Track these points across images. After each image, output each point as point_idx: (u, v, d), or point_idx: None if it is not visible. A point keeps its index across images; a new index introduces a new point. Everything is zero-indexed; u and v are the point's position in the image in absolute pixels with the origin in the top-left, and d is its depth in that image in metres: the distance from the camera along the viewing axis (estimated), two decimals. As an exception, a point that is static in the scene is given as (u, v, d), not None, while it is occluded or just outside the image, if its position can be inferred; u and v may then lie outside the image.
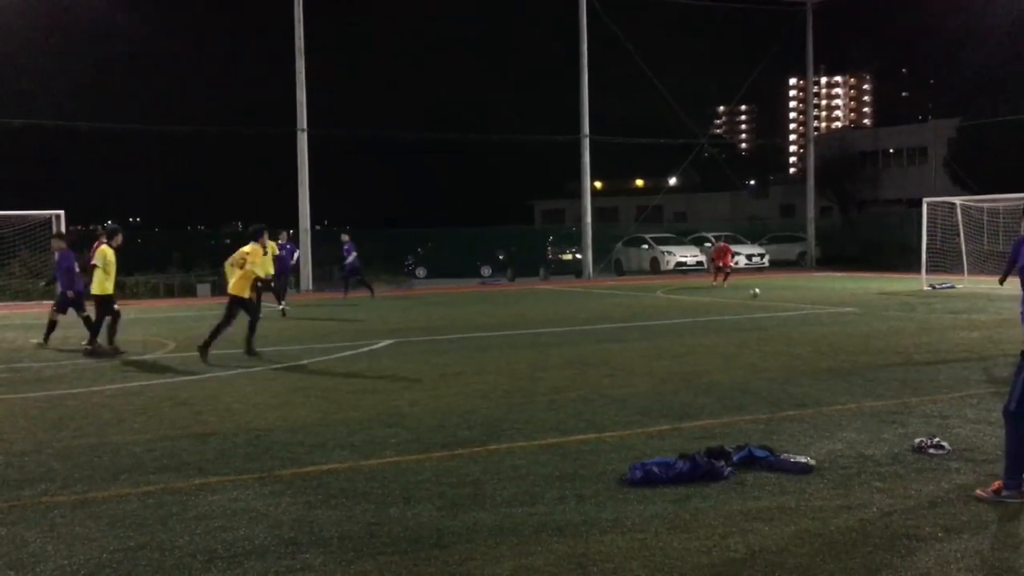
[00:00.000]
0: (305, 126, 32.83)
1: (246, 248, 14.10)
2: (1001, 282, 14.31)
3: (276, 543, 5.36)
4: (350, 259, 26.73)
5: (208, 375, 12.17)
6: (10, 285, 29.95)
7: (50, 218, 28.17)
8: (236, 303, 13.94)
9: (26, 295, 29.35)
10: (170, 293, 31.58)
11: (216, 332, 13.72)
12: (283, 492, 6.40)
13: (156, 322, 20.93)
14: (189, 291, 31.55)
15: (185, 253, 36.57)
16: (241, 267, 13.89)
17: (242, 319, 14.12)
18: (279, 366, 12.89)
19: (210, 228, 71.19)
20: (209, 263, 35.89)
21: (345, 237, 27.08)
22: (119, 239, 15.31)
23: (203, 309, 25.10)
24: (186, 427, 8.72)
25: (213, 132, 41.00)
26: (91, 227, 36.12)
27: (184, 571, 4.95)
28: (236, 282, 13.89)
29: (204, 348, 13.52)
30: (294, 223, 34.32)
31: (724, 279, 28.96)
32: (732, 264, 30.51)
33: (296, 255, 23.77)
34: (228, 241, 54.51)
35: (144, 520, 5.85)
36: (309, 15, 32.94)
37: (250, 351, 13.86)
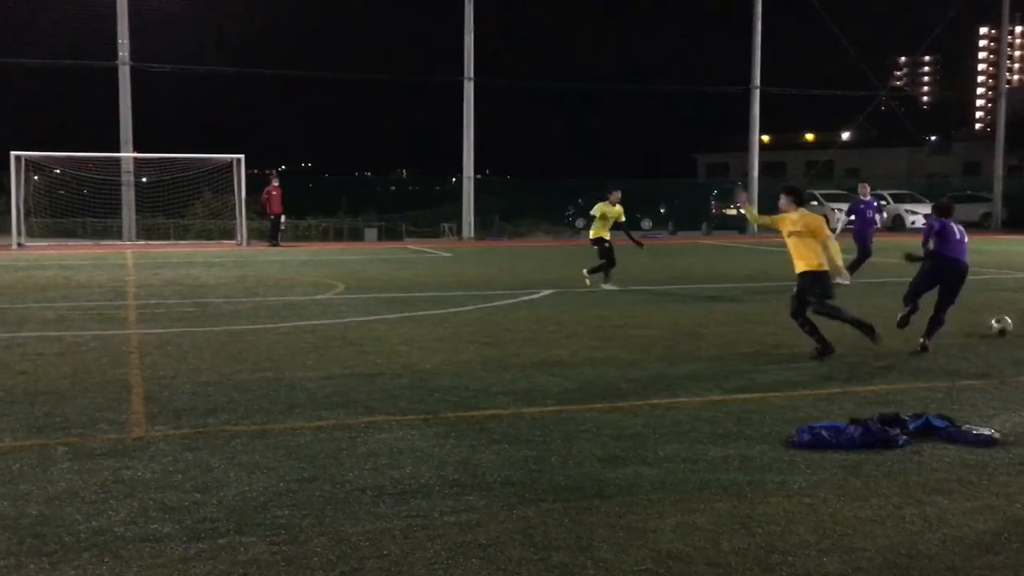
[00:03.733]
0: (472, 74, 33.07)
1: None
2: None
3: (441, 484, 5.48)
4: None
5: (375, 317, 12.55)
6: (194, 225, 31.73)
7: (231, 162, 29.58)
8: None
9: (208, 234, 31.05)
10: (339, 237, 32.74)
11: None
12: (447, 434, 6.54)
13: (325, 264, 21.73)
14: (356, 235, 32.62)
15: (353, 198, 37.81)
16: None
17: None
18: (443, 311, 13.15)
19: (376, 175, 73.18)
20: (375, 208, 37.02)
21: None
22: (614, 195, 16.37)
23: (369, 253, 25.92)
24: (355, 366, 9.03)
25: (381, 80, 41.90)
26: (266, 171, 37.75)
27: (354, 505, 5.14)
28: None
29: None
30: (457, 171, 34.86)
31: None
32: None
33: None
34: (393, 188, 56.13)
35: (317, 453, 6.09)
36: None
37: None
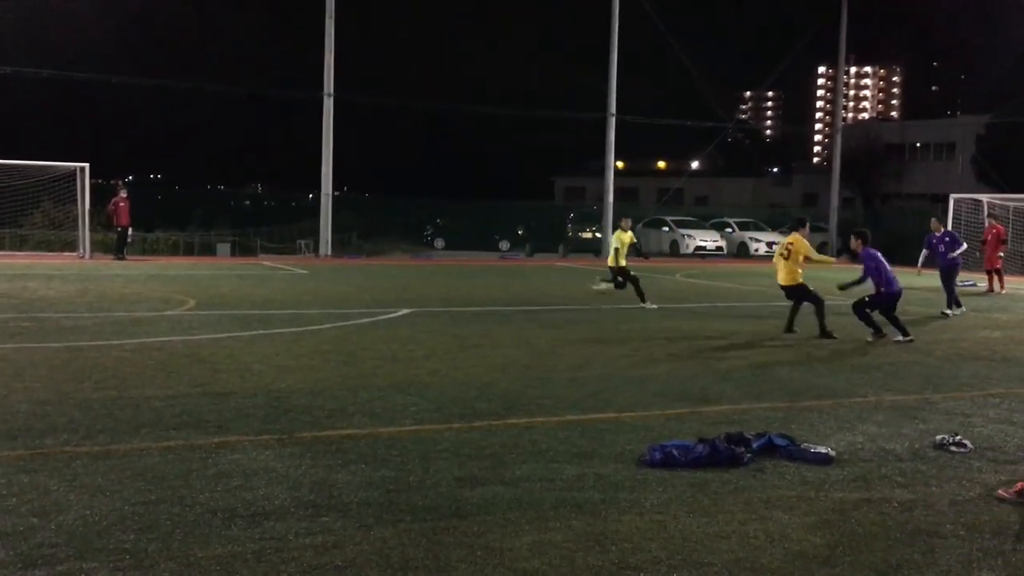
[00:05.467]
0: (331, 91, 32.74)
1: (790, 238, 13.89)
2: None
3: (296, 505, 5.38)
4: None
5: (228, 334, 12.21)
6: (33, 235, 30.14)
7: (74, 171, 28.27)
8: (793, 293, 13.86)
9: (48, 245, 29.54)
10: (189, 251, 31.74)
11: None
12: (302, 455, 6.42)
13: (175, 279, 21.00)
14: (208, 250, 31.69)
15: (205, 212, 36.72)
16: (786, 257, 13.71)
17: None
18: (299, 329, 12.92)
19: (230, 188, 71.32)
20: (228, 223, 36.10)
21: None
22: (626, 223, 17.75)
23: (222, 268, 25.21)
24: (206, 385, 8.76)
25: (241, 93, 40.94)
26: (111, 181, 36.29)
27: (205, 527, 4.98)
28: (786, 274, 13.79)
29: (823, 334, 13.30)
30: (315, 187, 34.38)
31: (1000, 282, 22.37)
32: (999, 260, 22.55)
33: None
34: (248, 203, 54.87)
35: (165, 475, 5.88)
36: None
37: (824, 334, 13.27)
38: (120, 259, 26.72)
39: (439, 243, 40.02)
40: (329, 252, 32.67)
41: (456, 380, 9.38)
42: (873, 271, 13.19)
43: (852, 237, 13.88)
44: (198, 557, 4.56)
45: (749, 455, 6.56)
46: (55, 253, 28.46)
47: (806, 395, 9.09)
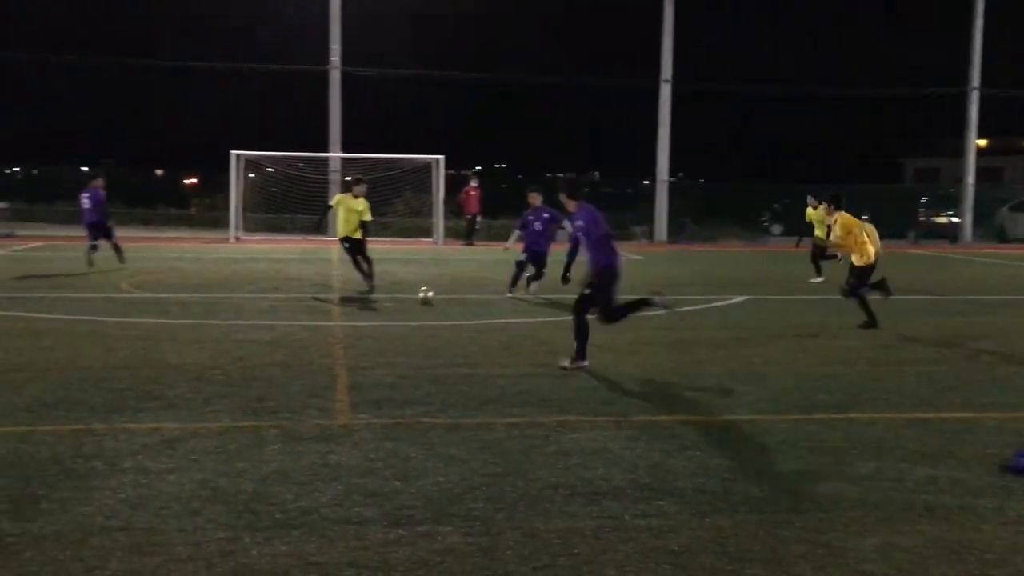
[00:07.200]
0: (669, 77, 32.74)
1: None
2: None
3: (631, 487, 5.47)
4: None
5: (564, 317, 12.61)
6: (394, 223, 32.97)
7: (431, 162, 30.53)
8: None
9: (406, 232, 32.18)
10: (531, 237, 33.11)
11: None
12: (638, 438, 6.51)
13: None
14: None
15: (546, 200, 38.16)
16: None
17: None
18: (633, 315, 13.05)
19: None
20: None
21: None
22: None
23: (558, 255, 26.06)
24: (545, 365, 9.13)
25: (578, 83, 42.18)
26: (461, 171, 38.74)
27: (546, 502, 5.20)
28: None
29: None
30: (649, 173, 34.63)
31: None
32: None
33: None
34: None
35: (508, 449, 6.21)
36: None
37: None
38: (469, 245, 28.51)
39: (776, 229, 38.71)
40: (664, 238, 32.79)
41: (793, 371, 9.07)
42: (580, 237, 9.29)
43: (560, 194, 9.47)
44: (540, 530, 4.78)
45: None
46: (412, 239, 30.94)
47: None
